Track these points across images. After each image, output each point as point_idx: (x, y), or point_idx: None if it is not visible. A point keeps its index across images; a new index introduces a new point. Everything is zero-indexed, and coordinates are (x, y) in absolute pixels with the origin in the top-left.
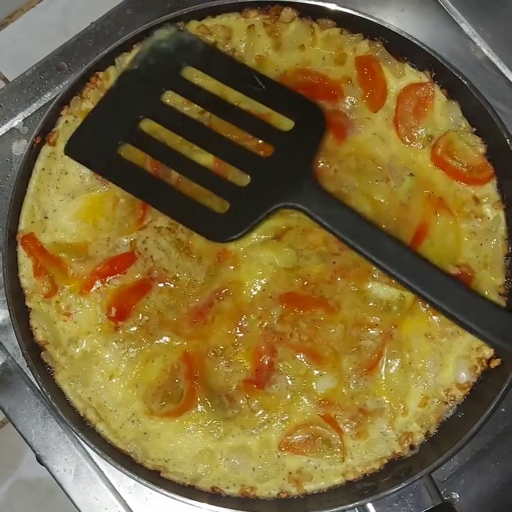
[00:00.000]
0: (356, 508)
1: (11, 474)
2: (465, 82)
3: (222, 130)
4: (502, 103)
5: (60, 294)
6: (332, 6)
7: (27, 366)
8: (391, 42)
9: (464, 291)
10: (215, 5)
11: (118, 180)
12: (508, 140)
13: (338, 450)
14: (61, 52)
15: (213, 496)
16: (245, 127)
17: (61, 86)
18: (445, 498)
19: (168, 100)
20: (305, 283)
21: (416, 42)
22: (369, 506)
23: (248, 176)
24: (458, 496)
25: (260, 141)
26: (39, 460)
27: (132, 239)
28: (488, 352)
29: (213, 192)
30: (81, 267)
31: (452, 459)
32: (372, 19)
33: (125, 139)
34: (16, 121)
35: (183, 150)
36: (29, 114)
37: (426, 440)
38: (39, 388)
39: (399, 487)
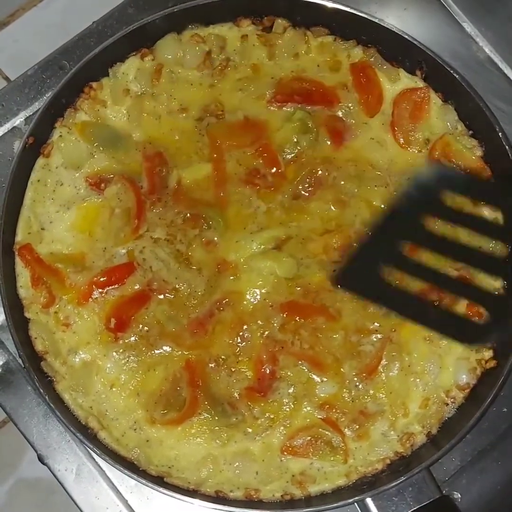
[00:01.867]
0: (355, 503)
1: (12, 474)
2: (460, 79)
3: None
4: (504, 103)
5: (58, 304)
6: (329, 4)
7: (24, 368)
8: (385, 41)
9: None
10: (208, 2)
11: (386, 302)
12: (502, 137)
13: (341, 451)
14: (63, 51)
15: (218, 498)
16: None
17: None
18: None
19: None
20: (306, 291)
21: (408, 37)
22: (369, 500)
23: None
24: (459, 495)
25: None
26: (41, 459)
27: (129, 249)
28: (487, 353)
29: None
30: (78, 278)
31: (453, 459)
32: (365, 15)
33: (387, 262)
34: (18, 120)
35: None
36: (31, 113)
37: (427, 440)
38: (41, 395)
39: (398, 482)
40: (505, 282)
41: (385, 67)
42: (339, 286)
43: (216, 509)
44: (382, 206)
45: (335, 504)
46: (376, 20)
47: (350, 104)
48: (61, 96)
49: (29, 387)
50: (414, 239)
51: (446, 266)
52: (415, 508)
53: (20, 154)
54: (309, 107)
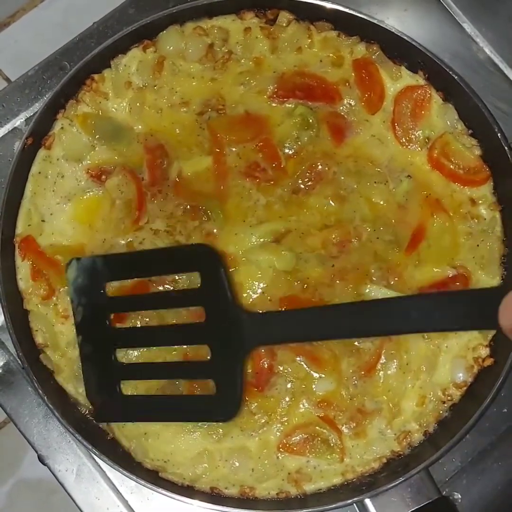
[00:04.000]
0: (354, 504)
1: (13, 474)
2: (458, 79)
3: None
4: (504, 104)
5: (57, 296)
6: (328, 5)
7: (23, 368)
8: (385, 41)
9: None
10: (210, 2)
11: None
12: (500, 138)
13: (337, 450)
14: (63, 51)
15: (213, 496)
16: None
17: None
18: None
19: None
20: (305, 286)
21: (407, 38)
22: (367, 501)
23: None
24: (460, 496)
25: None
26: (41, 460)
27: (128, 240)
28: (484, 351)
29: (193, 379)
30: None
31: (453, 460)
32: (364, 16)
33: (121, 378)
34: (18, 121)
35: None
36: (31, 114)
37: (425, 439)
38: (36, 390)
39: (396, 482)
40: (502, 281)
41: (387, 64)
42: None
43: (215, 509)
44: (381, 203)
45: (334, 505)
46: (375, 21)
47: (351, 101)
48: (60, 97)
49: (30, 388)
50: None
51: None
52: (413, 509)
53: (19, 154)
54: (310, 103)
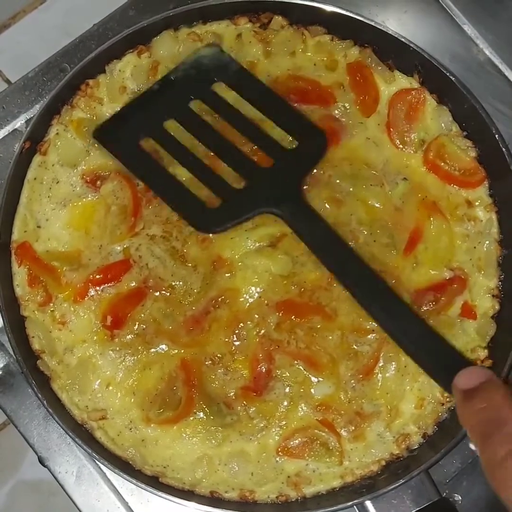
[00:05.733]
0: (355, 507)
1: (13, 476)
2: (456, 81)
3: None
4: (504, 105)
5: (54, 302)
6: (328, 7)
7: (22, 373)
8: (382, 43)
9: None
10: (204, 5)
11: (131, 166)
12: (498, 139)
13: (336, 453)
14: (64, 53)
15: (213, 499)
16: (253, 139)
17: None
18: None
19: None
20: (302, 290)
21: (404, 40)
22: (368, 503)
23: (243, 182)
24: (460, 498)
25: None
26: (41, 461)
27: (125, 246)
28: (482, 353)
29: (211, 189)
30: (74, 275)
31: (454, 461)
32: (358, 17)
33: (148, 134)
34: (18, 123)
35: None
36: (32, 115)
37: (424, 441)
38: (36, 394)
39: (397, 484)
40: (500, 283)
41: (380, 68)
42: (94, 137)
43: None
44: (377, 205)
45: (334, 507)
46: (372, 23)
47: (346, 104)
48: (57, 101)
49: (30, 390)
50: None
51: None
52: (414, 511)
53: (17, 158)
54: (305, 106)
